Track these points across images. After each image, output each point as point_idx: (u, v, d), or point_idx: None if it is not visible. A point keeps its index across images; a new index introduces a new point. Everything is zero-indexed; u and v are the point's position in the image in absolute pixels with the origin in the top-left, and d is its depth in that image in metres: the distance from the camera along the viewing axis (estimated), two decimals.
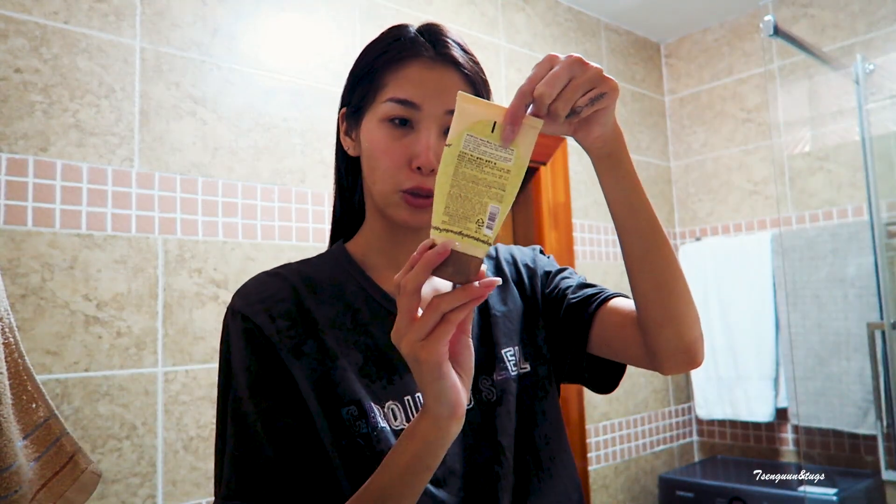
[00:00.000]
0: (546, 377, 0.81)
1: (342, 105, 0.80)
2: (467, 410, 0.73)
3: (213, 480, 0.78)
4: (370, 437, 0.67)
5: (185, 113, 1.61)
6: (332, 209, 0.86)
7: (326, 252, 0.82)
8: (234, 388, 0.68)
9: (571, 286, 0.84)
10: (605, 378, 0.84)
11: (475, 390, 0.75)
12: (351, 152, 0.78)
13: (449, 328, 0.54)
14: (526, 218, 2.51)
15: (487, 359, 0.77)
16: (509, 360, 0.79)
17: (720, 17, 2.84)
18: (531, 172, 2.48)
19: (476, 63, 0.75)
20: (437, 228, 0.55)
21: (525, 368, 0.79)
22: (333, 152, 0.85)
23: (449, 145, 0.56)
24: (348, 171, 0.83)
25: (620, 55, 2.86)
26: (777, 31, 1.86)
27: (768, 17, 1.87)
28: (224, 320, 0.73)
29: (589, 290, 0.83)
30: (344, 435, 0.67)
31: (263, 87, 1.75)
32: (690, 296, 0.74)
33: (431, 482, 0.68)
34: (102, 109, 1.49)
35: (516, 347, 0.80)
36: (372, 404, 0.69)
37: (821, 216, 2.51)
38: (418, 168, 0.70)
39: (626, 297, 0.82)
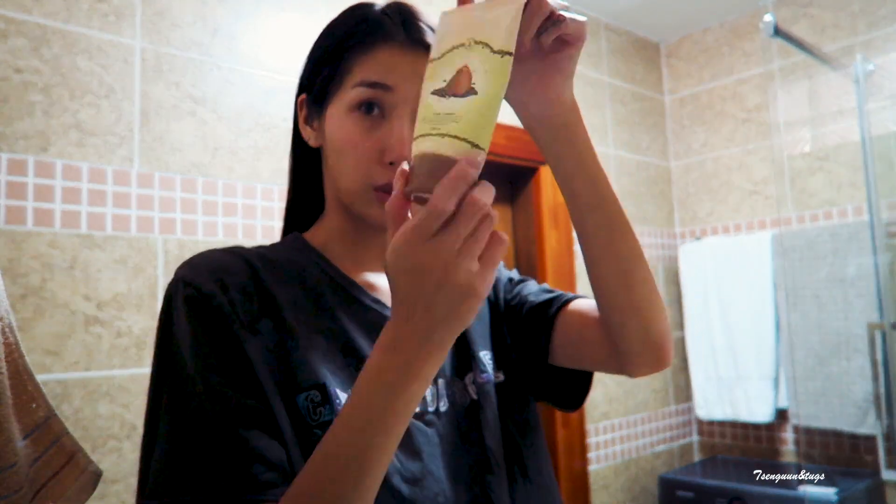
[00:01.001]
0: (522, 385, 0.76)
1: (300, 91, 0.73)
2: (441, 413, 0.67)
3: None
4: None
5: (185, 113, 1.61)
6: (285, 203, 0.80)
7: (280, 241, 0.74)
8: (176, 369, 0.58)
9: (532, 291, 0.80)
10: (571, 392, 0.78)
11: (448, 393, 0.68)
12: (312, 142, 0.72)
13: (503, 246, 0.47)
14: (526, 218, 2.51)
15: (462, 360, 0.71)
16: (487, 364, 0.73)
17: (720, 17, 2.84)
18: (531, 172, 2.48)
19: None
20: (466, 140, 0.47)
21: (500, 378, 0.74)
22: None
23: (510, 54, 0.47)
24: (306, 160, 0.76)
25: (620, 55, 2.86)
26: (777, 31, 1.86)
27: (768, 17, 1.87)
28: (165, 294, 0.62)
29: (550, 294, 0.78)
30: (300, 427, 0.58)
31: (263, 87, 1.75)
32: (655, 284, 0.67)
33: (404, 479, 0.60)
34: (102, 109, 1.49)
35: (490, 353, 0.75)
36: (338, 390, 0.60)
37: (821, 216, 2.51)
38: (391, 163, 0.63)
39: (588, 298, 0.76)
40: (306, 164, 0.76)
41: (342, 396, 0.60)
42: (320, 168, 0.74)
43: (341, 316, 0.65)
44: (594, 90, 2.71)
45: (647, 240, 2.83)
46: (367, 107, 0.65)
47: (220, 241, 1.63)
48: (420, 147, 0.48)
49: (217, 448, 0.54)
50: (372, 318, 0.67)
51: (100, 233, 1.46)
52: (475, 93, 0.47)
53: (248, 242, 1.66)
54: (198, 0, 1.66)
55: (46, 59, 1.43)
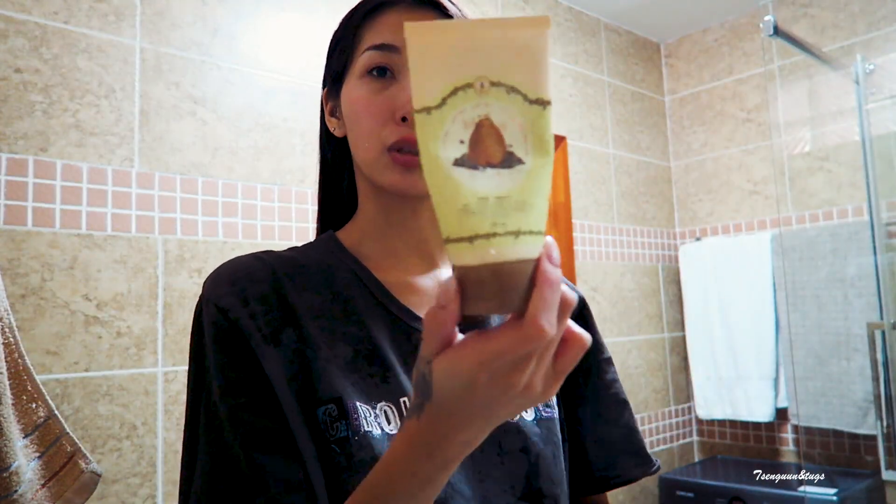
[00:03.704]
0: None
1: (323, 86, 0.72)
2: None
3: None
4: (348, 443, 0.56)
5: (185, 113, 1.61)
6: (317, 203, 0.77)
7: (314, 241, 0.72)
8: (206, 390, 0.59)
9: (603, 412, 0.75)
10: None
11: None
12: (337, 133, 0.69)
13: (583, 350, 0.42)
14: None
15: None
16: (553, 399, 0.71)
17: (720, 17, 2.85)
18: None
19: (461, 11, 0.66)
20: (540, 233, 0.37)
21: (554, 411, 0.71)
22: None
23: (550, 103, 0.37)
24: (335, 155, 0.73)
25: (620, 55, 2.86)
26: (777, 31, 1.86)
27: (768, 17, 1.87)
28: (195, 309, 0.63)
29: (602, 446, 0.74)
30: (318, 440, 0.57)
31: (263, 87, 1.75)
32: None
33: None
34: (102, 109, 1.49)
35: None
36: (357, 403, 0.58)
37: (821, 216, 2.51)
38: (403, 119, 0.60)
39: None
40: (336, 160, 0.74)
41: (361, 410, 0.58)
42: (351, 162, 0.72)
43: (369, 322, 0.63)
44: (594, 90, 2.71)
45: (647, 240, 2.83)
46: (378, 71, 0.63)
47: (220, 241, 1.63)
48: (482, 254, 0.35)
49: (240, 473, 0.55)
50: (399, 328, 0.65)
51: (100, 233, 1.46)
52: (520, 161, 0.36)
53: (248, 242, 1.66)
54: (198, 0, 1.66)
55: (46, 59, 1.43)
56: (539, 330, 0.35)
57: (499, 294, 0.36)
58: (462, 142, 0.36)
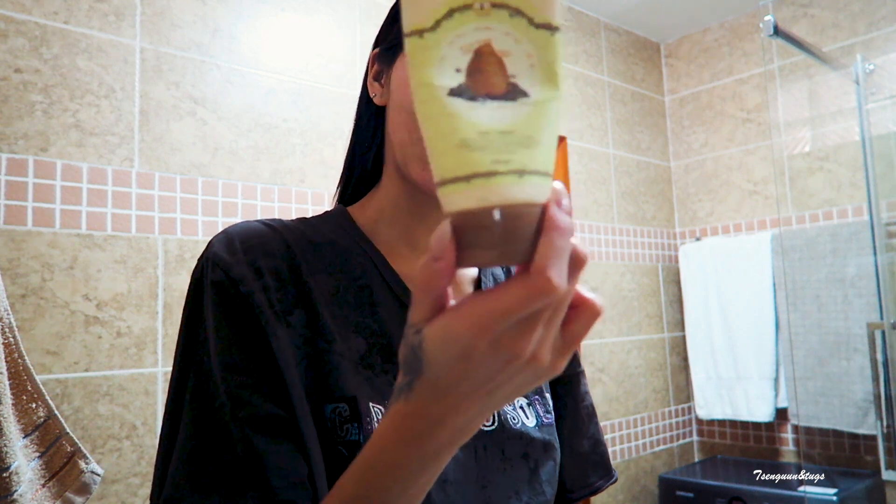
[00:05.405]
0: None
1: (375, 45, 0.67)
2: (482, 434, 0.61)
3: None
4: (360, 449, 0.51)
5: (185, 113, 1.61)
6: (342, 169, 0.71)
7: (324, 214, 0.66)
8: (198, 363, 0.53)
9: (578, 423, 0.75)
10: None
11: (499, 410, 0.60)
12: (377, 100, 0.64)
13: (597, 317, 0.37)
14: None
15: None
16: (551, 404, 0.70)
17: (720, 17, 2.84)
18: None
19: None
20: (548, 174, 0.32)
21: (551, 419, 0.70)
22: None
23: (559, 29, 0.32)
24: (370, 122, 0.67)
25: (620, 55, 2.86)
26: (777, 31, 1.86)
27: (768, 17, 1.87)
28: (193, 273, 0.56)
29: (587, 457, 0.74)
30: (325, 439, 0.52)
31: (263, 87, 1.75)
32: None
33: None
34: (102, 109, 1.49)
35: (550, 396, 0.72)
36: (371, 405, 0.53)
37: (821, 216, 2.51)
38: None
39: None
40: (370, 126, 0.68)
41: (374, 411, 0.54)
42: (383, 133, 0.66)
43: (384, 314, 0.59)
44: (594, 90, 2.71)
45: (647, 240, 2.83)
46: None
47: None
48: (482, 195, 0.30)
49: (234, 459, 0.49)
50: None
51: (100, 233, 1.46)
52: (525, 94, 0.31)
53: None
54: (198, 0, 1.66)
55: (46, 59, 1.43)
56: (548, 282, 0.30)
57: (501, 242, 0.31)
58: (459, 70, 0.31)
